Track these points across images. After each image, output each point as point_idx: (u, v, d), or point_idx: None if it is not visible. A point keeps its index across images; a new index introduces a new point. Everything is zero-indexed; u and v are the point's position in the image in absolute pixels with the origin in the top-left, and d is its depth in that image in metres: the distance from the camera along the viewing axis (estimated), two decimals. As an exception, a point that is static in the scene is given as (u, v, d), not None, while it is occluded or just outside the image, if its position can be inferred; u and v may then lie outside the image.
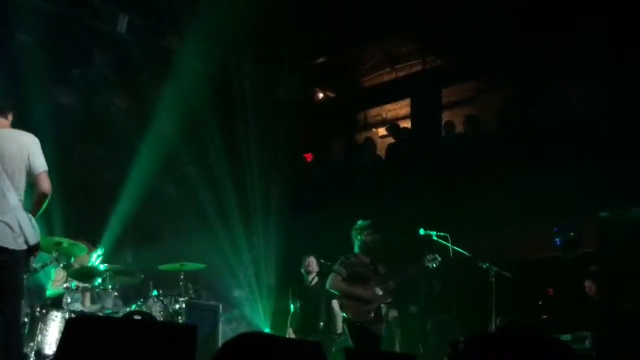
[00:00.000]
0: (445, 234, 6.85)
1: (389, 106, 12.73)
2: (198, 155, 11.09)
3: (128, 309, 7.26)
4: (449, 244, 6.80)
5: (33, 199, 4.95)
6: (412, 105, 11.91)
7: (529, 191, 9.13)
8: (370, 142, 12.44)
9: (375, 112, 13.07)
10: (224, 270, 11.08)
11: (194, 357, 3.07)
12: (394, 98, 12.46)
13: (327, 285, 7.04)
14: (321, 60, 12.19)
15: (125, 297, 8.09)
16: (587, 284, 7.82)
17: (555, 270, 8.40)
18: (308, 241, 8.94)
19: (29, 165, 4.89)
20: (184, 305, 7.58)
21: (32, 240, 4.87)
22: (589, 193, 8.44)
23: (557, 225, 8.64)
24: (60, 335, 5.70)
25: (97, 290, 7.44)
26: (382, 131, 12.72)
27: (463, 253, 6.78)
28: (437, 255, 6.81)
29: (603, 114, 9.18)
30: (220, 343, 7.93)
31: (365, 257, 7.04)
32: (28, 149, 4.93)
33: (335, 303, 8.45)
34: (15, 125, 5.15)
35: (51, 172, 5.05)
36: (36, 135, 5.17)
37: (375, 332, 6.78)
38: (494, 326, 6.57)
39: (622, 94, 9.05)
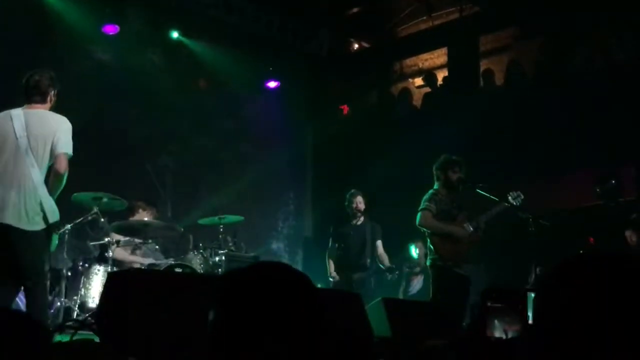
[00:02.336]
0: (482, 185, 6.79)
1: (425, 55, 12.50)
2: (233, 108, 11.11)
3: (170, 262, 7.39)
4: (487, 194, 6.73)
5: (50, 179, 4.95)
6: (449, 54, 11.70)
7: (568, 140, 8.98)
8: (407, 93, 12.30)
9: (411, 62, 12.87)
10: (262, 223, 11.19)
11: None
12: (431, 47, 12.23)
13: (418, 222, 6.66)
14: (355, 10, 11.98)
15: (166, 250, 8.23)
16: (628, 233, 7.69)
17: (596, 219, 8.28)
18: (344, 193, 8.88)
19: (54, 144, 4.90)
20: (223, 258, 7.68)
21: (52, 219, 4.89)
22: (628, 140, 8.27)
23: (597, 174, 8.49)
24: (102, 288, 5.84)
25: (138, 244, 7.59)
26: (418, 81, 12.53)
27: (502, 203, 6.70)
28: (520, 193, 6.63)
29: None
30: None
31: (449, 195, 6.79)
32: (56, 128, 4.94)
33: (379, 243, 8.43)
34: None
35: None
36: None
37: (463, 274, 6.56)
38: (533, 276, 6.52)
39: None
